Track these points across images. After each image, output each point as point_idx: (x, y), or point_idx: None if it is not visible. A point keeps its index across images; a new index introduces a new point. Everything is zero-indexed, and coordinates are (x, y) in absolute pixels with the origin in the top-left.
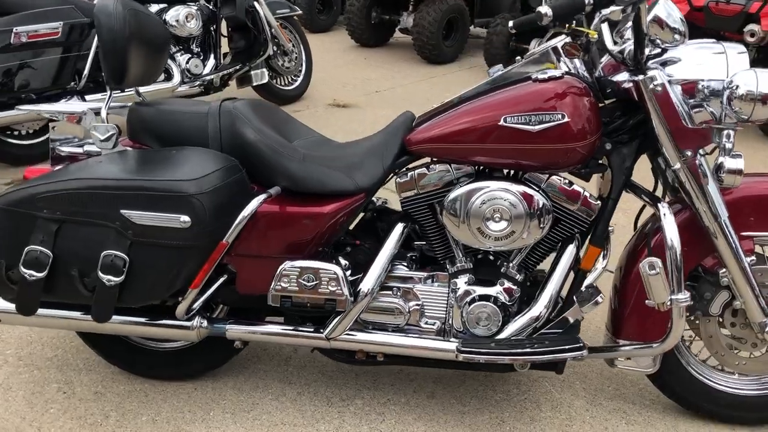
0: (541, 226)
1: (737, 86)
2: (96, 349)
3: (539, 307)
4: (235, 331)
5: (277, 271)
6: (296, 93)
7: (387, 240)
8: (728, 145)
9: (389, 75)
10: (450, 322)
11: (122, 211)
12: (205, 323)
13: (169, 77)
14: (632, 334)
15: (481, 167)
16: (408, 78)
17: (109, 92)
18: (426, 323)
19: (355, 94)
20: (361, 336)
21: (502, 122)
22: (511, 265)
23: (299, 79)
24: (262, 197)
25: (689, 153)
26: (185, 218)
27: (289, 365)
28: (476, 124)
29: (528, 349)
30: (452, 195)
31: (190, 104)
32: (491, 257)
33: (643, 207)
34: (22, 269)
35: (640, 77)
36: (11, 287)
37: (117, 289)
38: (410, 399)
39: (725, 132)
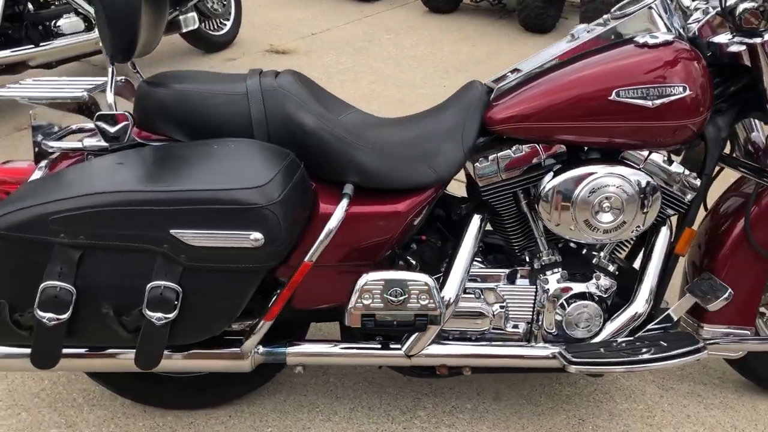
0: (650, 212)
1: None
2: (105, 384)
3: (640, 303)
4: (296, 355)
5: (357, 287)
6: (227, 39)
7: (465, 235)
8: None
9: (321, 15)
10: (539, 323)
11: (172, 231)
12: (260, 349)
13: (90, 27)
14: (728, 320)
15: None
16: (342, 18)
17: (111, 69)
18: (512, 327)
19: (290, 38)
20: (445, 349)
21: (613, 97)
22: (602, 255)
23: (229, 23)
24: (344, 203)
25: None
26: (257, 235)
27: (329, 375)
28: (580, 98)
29: (645, 356)
30: (550, 183)
31: (218, 81)
32: (574, 246)
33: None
34: (39, 313)
35: (758, 40)
36: (20, 333)
37: (168, 328)
38: (476, 404)
39: None
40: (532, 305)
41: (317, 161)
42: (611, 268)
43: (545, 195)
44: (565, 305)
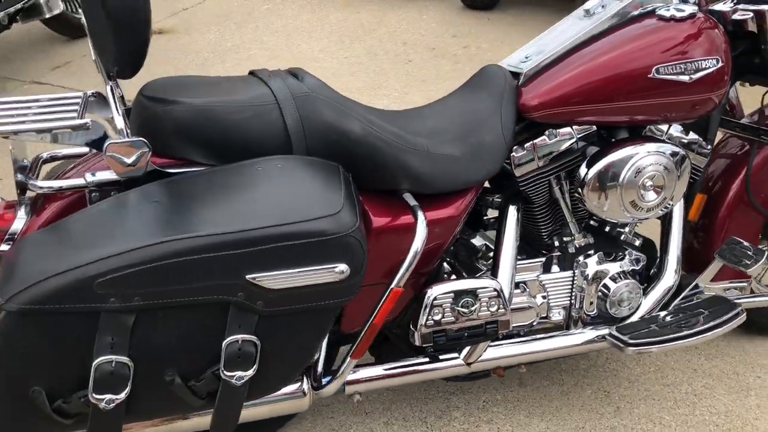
0: (683, 183)
1: None
2: None
3: (670, 274)
4: (355, 383)
5: (426, 302)
6: None
7: (506, 229)
8: None
9: None
10: (579, 307)
11: (248, 277)
12: (322, 382)
13: None
14: (727, 276)
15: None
16: None
17: (111, 86)
18: (555, 315)
19: (163, 15)
20: (500, 351)
21: (653, 74)
22: (627, 230)
23: None
24: (422, 217)
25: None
26: (342, 267)
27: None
28: (619, 78)
29: (696, 328)
30: (594, 169)
31: (233, 90)
32: (597, 224)
33: None
34: (95, 396)
35: (766, 7)
36: (64, 423)
37: (247, 386)
38: (506, 394)
39: None
40: (570, 290)
41: (364, 170)
42: (637, 242)
43: (590, 181)
44: (609, 285)
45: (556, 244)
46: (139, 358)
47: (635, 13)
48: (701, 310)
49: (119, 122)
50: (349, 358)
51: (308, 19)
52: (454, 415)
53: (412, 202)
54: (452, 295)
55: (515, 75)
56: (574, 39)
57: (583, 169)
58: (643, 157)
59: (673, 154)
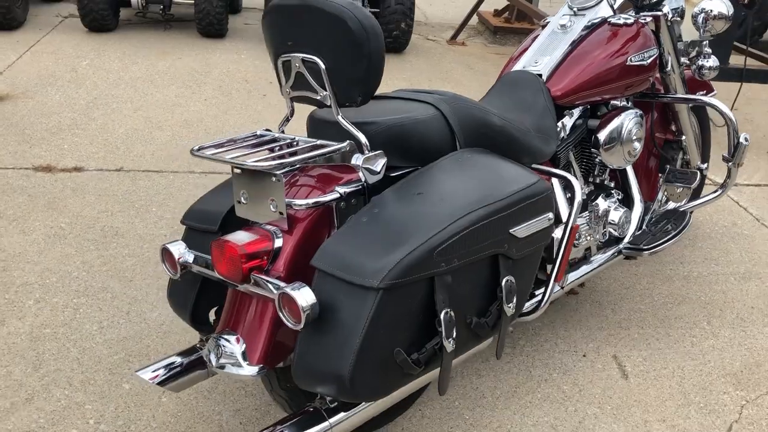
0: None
1: (709, 10)
2: None
3: (638, 203)
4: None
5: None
6: None
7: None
8: (707, 50)
9: None
10: (597, 236)
11: (511, 230)
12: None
13: None
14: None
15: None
16: (9, 51)
17: (340, 114)
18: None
19: None
20: (577, 273)
21: (628, 62)
22: (608, 171)
23: None
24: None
25: (686, 61)
26: (550, 215)
27: None
28: (612, 68)
29: (675, 230)
30: (603, 133)
31: (407, 110)
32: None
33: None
34: (448, 342)
35: (659, 13)
36: (418, 371)
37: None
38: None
39: (703, 43)
40: (589, 226)
41: (501, 151)
42: (613, 184)
43: (604, 140)
44: (613, 216)
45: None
46: (456, 307)
47: (594, 22)
48: (668, 221)
49: (362, 137)
50: (552, 281)
51: (139, 70)
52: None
53: (560, 172)
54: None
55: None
56: (566, 45)
57: (597, 134)
58: (631, 120)
59: (641, 116)
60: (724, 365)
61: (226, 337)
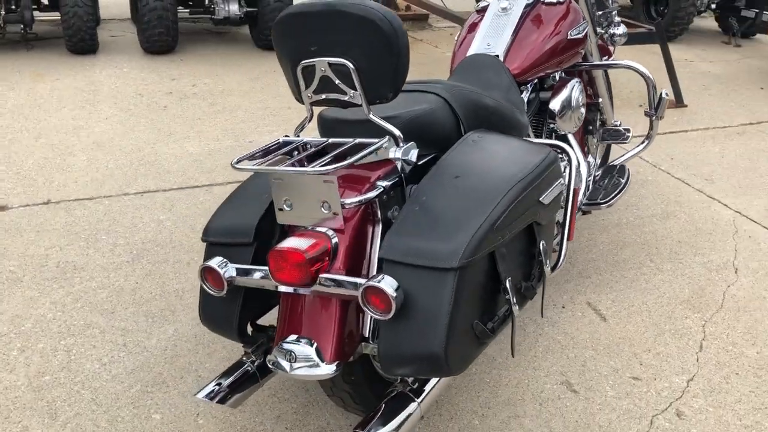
0: None
1: None
2: None
3: (583, 162)
4: None
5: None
6: None
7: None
8: (617, 19)
9: None
10: None
11: (540, 198)
12: None
13: None
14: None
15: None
16: None
17: (370, 112)
18: None
19: None
20: None
21: (569, 36)
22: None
23: None
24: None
25: (601, 30)
26: (563, 181)
27: None
28: (558, 43)
29: (620, 184)
30: (555, 102)
31: (417, 102)
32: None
33: None
34: (516, 307)
35: None
36: (492, 338)
37: None
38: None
39: (613, 13)
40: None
41: (495, 128)
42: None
43: (559, 109)
44: (572, 179)
45: None
46: (511, 275)
47: (529, 3)
48: (612, 175)
49: (397, 132)
50: (566, 241)
51: (19, 96)
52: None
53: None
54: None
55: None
56: (512, 26)
57: (551, 105)
58: (576, 88)
59: (581, 83)
60: (677, 294)
61: (294, 342)
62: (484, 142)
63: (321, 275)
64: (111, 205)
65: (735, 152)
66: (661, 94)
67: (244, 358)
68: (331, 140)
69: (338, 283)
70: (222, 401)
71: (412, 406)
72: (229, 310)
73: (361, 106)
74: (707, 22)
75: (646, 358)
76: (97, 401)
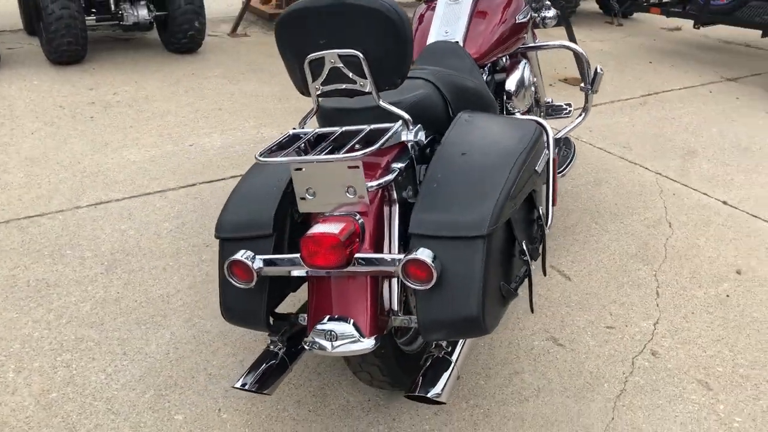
0: None
1: None
2: None
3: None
4: None
5: None
6: None
7: None
8: (547, 3)
9: None
10: None
11: (536, 168)
12: None
13: None
14: None
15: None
16: None
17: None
18: None
19: None
20: None
21: (517, 20)
22: None
23: None
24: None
25: (534, 14)
26: (549, 153)
27: None
28: (509, 27)
29: (570, 154)
30: (510, 83)
31: (414, 89)
32: None
33: None
34: (533, 267)
35: None
36: (516, 297)
37: None
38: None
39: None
40: None
41: (476, 107)
42: None
43: (514, 90)
44: None
45: None
46: (522, 238)
47: None
48: (560, 147)
49: (406, 116)
50: (551, 205)
51: None
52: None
53: (533, 118)
54: None
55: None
56: (466, 14)
57: (507, 85)
58: (526, 68)
59: (530, 64)
60: (625, 250)
61: (331, 322)
62: (476, 121)
63: (356, 255)
64: (66, 219)
65: (642, 121)
66: (596, 69)
67: (271, 347)
68: (344, 128)
69: (376, 261)
70: (260, 389)
71: (451, 366)
72: (256, 302)
73: (369, 93)
74: (589, 4)
75: (613, 309)
76: (113, 411)
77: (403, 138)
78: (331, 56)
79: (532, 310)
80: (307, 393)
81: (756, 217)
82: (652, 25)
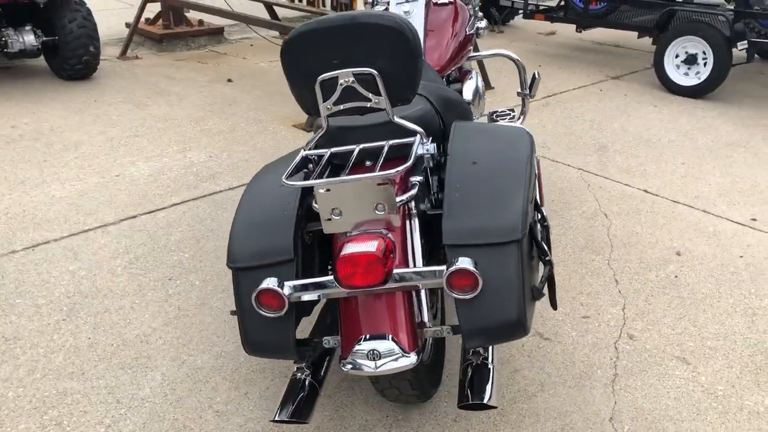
0: None
1: None
2: None
3: None
4: None
5: None
6: None
7: None
8: (480, 14)
9: None
10: None
11: (534, 171)
12: None
13: None
14: None
15: None
16: None
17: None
18: None
19: None
20: None
21: (466, 32)
22: None
23: None
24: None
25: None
26: (536, 154)
27: None
28: (459, 40)
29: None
30: (467, 90)
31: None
32: None
33: None
34: (554, 266)
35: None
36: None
37: None
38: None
39: (476, 8)
40: None
41: (457, 116)
42: None
43: (471, 99)
44: None
45: None
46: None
47: (424, 3)
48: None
49: (420, 130)
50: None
51: None
52: None
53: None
54: None
55: None
56: (420, 27)
57: (465, 95)
58: (477, 78)
59: (478, 74)
60: (575, 243)
61: (370, 341)
62: (470, 130)
63: (396, 271)
64: (3, 266)
65: (550, 121)
66: (534, 75)
67: (298, 375)
68: (362, 146)
69: (418, 275)
70: (300, 418)
71: (489, 368)
72: (284, 330)
73: (382, 110)
74: None
75: (583, 300)
76: None
77: (420, 151)
78: (346, 75)
79: (554, 308)
80: (324, 417)
81: (676, 202)
82: (528, 30)
